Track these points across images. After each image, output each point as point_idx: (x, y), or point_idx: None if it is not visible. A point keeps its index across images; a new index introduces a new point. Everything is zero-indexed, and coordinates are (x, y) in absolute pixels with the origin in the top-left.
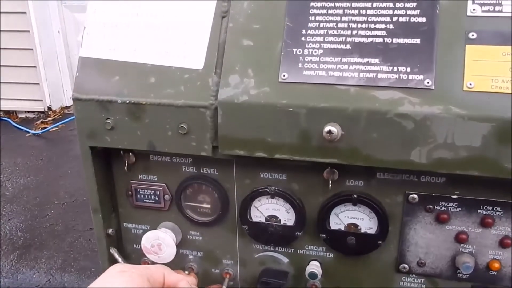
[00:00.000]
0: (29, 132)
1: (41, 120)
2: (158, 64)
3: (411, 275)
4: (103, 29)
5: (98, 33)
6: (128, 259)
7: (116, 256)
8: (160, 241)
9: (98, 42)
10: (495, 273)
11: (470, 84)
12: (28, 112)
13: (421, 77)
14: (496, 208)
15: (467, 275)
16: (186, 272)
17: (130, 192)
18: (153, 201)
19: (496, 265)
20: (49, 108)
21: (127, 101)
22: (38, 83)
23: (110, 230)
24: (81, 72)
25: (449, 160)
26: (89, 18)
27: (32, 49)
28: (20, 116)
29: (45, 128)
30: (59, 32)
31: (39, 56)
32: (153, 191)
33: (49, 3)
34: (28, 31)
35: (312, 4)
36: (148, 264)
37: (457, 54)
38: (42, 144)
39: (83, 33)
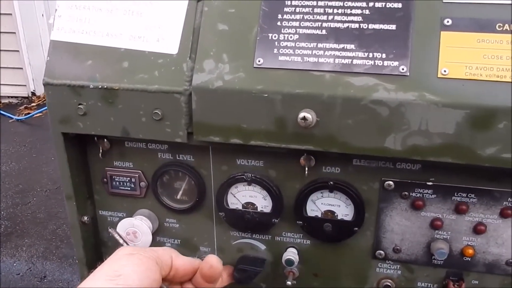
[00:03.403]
0: (12, 118)
1: (25, 105)
2: (132, 49)
3: (387, 261)
4: (75, 12)
5: (70, 16)
6: (104, 247)
7: (117, 237)
8: (136, 228)
9: (70, 25)
10: (469, 259)
11: (445, 71)
12: (11, 97)
13: (396, 63)
14: (470, 195)
15: (442, 261)
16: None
17: (105, 179)
18: (129, 188)
19: (470, 251)
20: (33, 93)
21: (100, 86)
22: (21, 68)
23: (85, 218)
24: (52, 56)
25: (423, 147)
26: (61, 0)
27: (14, 32)
28: (3, 101)
29: (29, 113)
30: (43, 15)
31: (22, 40)
32: (128, 178)
33: None
34: (11, 14)
35: None
36: None
37: (432, 41)
38: (26, 130)
39: (55, 16)
